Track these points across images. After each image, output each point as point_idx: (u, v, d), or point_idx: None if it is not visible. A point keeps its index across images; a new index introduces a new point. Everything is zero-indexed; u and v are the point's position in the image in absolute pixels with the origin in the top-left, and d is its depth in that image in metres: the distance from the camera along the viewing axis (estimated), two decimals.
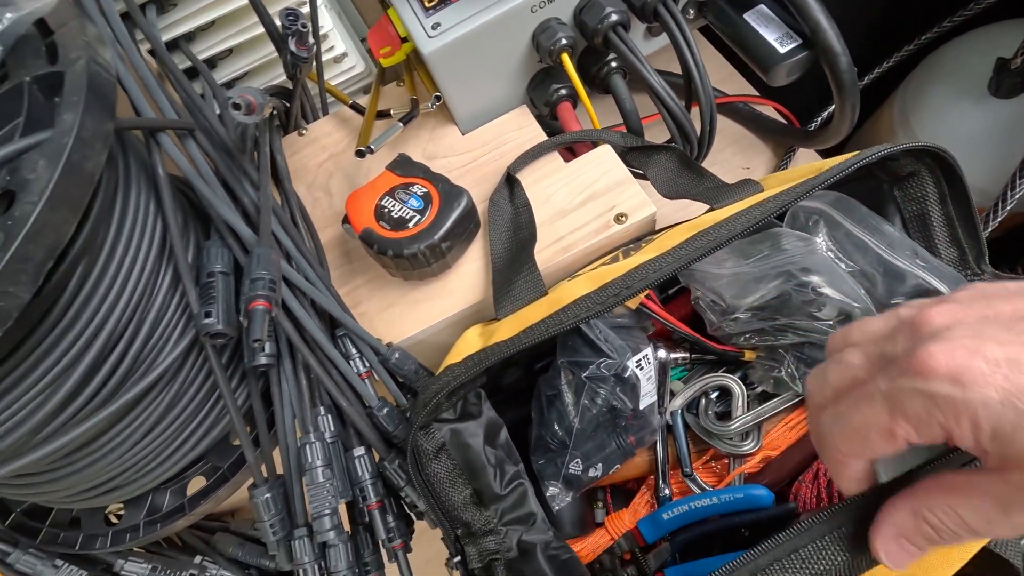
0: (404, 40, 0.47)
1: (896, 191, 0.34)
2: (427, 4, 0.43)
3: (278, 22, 0.42)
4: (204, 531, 0.50)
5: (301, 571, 0.36)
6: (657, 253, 0.34)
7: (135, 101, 0.32)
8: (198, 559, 0.47)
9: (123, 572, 0.43)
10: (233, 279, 0.34)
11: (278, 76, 0.54)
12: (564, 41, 0.42)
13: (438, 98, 0.45)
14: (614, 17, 0.41)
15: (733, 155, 0.61)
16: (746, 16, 0.44)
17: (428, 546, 0.42)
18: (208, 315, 0.31)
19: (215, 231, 0.35)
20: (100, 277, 0.28)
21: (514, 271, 0.39)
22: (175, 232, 0.31)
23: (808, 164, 0.39)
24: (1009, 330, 0.18)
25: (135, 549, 0.44)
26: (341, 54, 0.53)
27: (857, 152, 0.32)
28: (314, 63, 0.47)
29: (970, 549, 0.23)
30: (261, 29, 0.45)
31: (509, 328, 0.35)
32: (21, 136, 0.24)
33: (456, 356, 0.35)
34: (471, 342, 0.37)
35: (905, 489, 0.20)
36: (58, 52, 0.26)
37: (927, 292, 0.34)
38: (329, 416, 0.37)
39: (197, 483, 0.40)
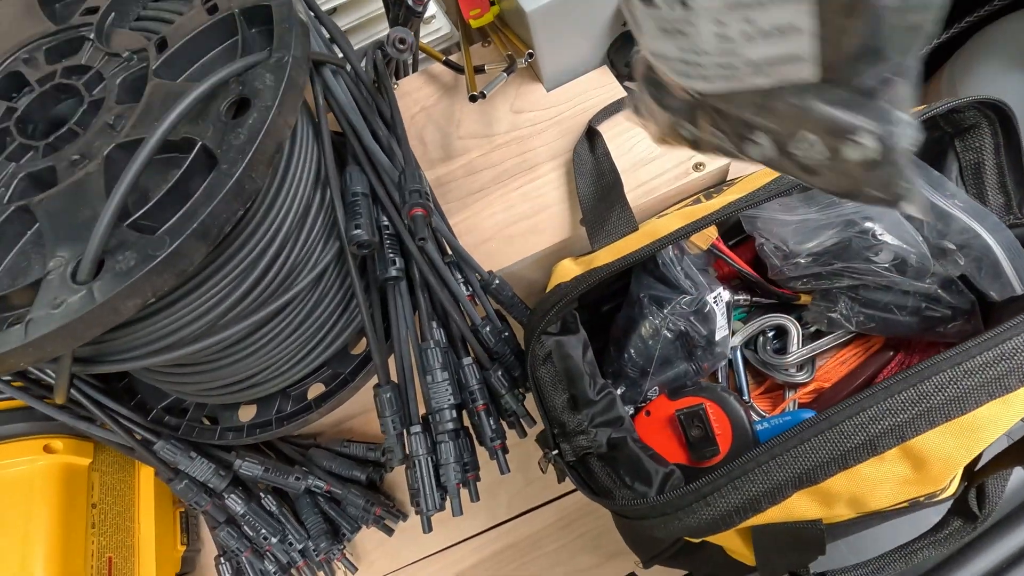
0: (492, 3, 0.51)
1: (957, 141, 0.39)
2: None
3: None
4: (300, 447, 0.55)
5: (416, 461, 0.41)
6: (743, 193, 0.38)
7: None
8: (297, 468, 0.52)
9: (241, 470, 0.48)
10: (371, 200, 0.39)
11: (371, 35, 0.59)
12: None
13: (531, 54, 0.50)
14: None
15: None
16: None
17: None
18: (358, 227, 0.36)
19: (352, 159, 0.40)
20: (278, 189, 0.33)
21: (607, 209, 0.43)
22: (329, 156, 0.36)
23: None
24: None
25: (248, 455, 0.49)
26: (431, 16, 0.58)
27: (927, 104, 0.36)
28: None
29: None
30: None
31: (608, 256, 0.39)
32: (240, 57, 0.29)
33: (561, 278, 0.40)
34: (570, 269, 0.41)
35: None
36: None
37: (970, 234, 0.38)
38: (441, 329, 0.42)
39: (315, 390, 0.45)
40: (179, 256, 0.25)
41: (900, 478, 0.29)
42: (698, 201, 0.43)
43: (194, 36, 0.30)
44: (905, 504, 0.31)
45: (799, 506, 0.30)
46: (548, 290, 0.40)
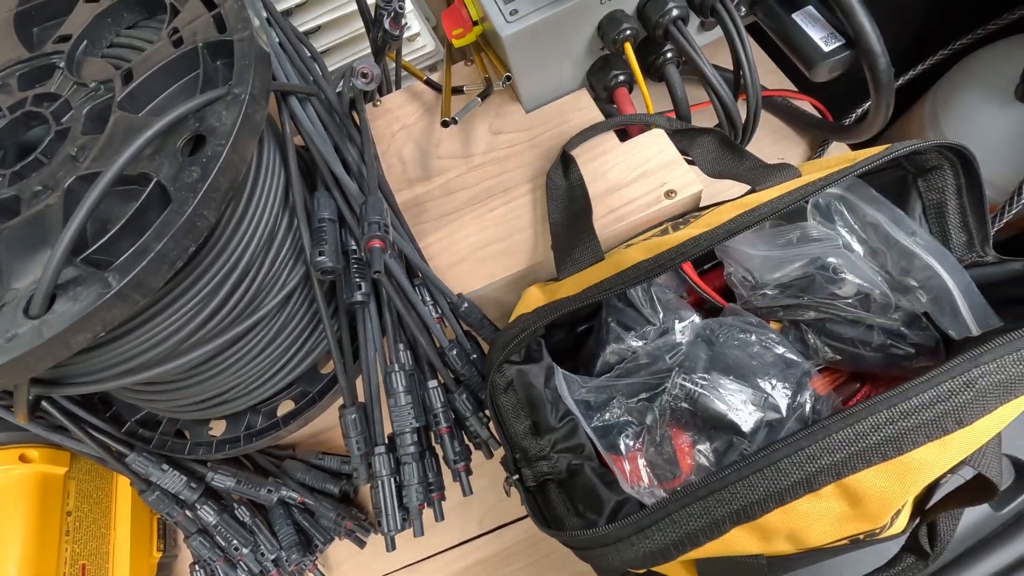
0: (475, 23, 0.52)
1: (920, 181, 0.39)
2: None
3: (370, 2, 0.47)
4: (275, 458, 0.56)
5: (379, 482, 0.41)
6: (708, 228, 0.38)
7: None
8: (271, 480, 0.53)
9: (213, 482, 0.49)
10: (338, 226, 0.39)
11: (355, 53, 0.59)
12: (628, 32, 0.46)
13: (508, 77, 0.50)
14: (675, 12, 0.46)
15: (769, 145, 0.65)
16: (794, 16, 0.48)
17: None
18: (321, 253, 0.36)
19: (321, 183, 0.40)
20: (241, 217, 0.34)
21: (574, 238, 0.44)
22: (296, 182, 0.37)
23: (841, 154, 0.43)
24: None
25: (220, 467, 0.50)
26: (415, 34, 0.58)
27: (889, 145, 0.36)
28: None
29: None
30: (352, 8, 0.50)
31: (573, 286, 0.40)
32: (201, 92, 0.30)
33: (525, 308, 0.40)
34: (535, 297, 0.42)
35: None
36: (226, 24, 0.31)
37: (930, 272, 0.38)
38: (408, 352, 0.42)
39: (285, 406, 0.46)
40: (129, 292, 0.25)
41: (837, 515, 0.29)
42: (665, 231, 0.43)
43: (158, 69, 0.31)
44: (846, 541, 0.31)
45: (738, 541, 0.30)
46: (511, 319, 0.40)
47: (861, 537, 0.31)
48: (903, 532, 0.35)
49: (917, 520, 0.35)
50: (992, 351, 0.28)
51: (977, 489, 0.31)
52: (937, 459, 0.28)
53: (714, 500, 0.30)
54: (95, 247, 0.27)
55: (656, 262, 0.37)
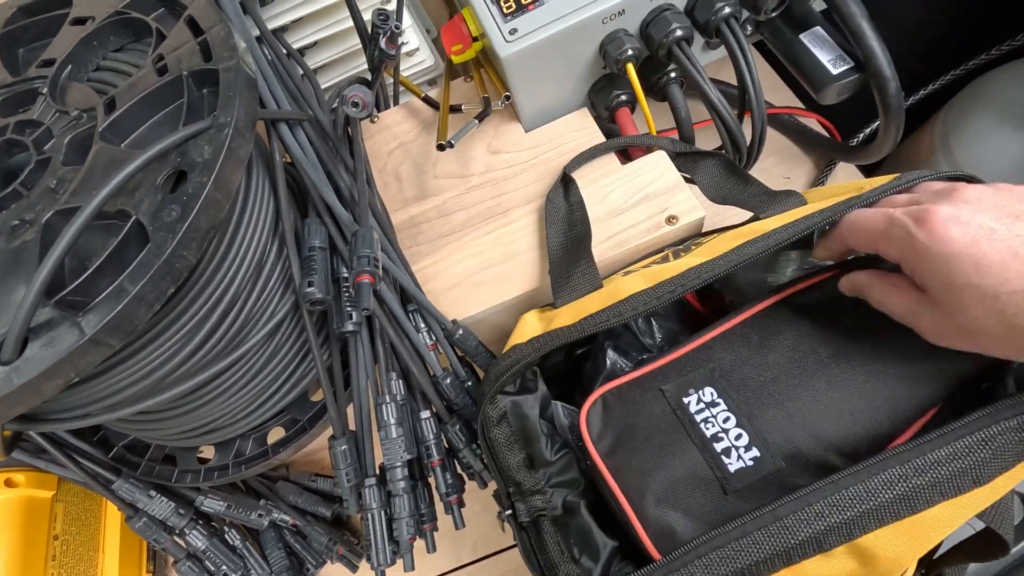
0: (475, 39, 0.51)
1: None
2: (505, 10, 0.46)
3: (367, 18, 0.46)
4: (268, 479, 0.55)
5: (369, 515, 0.40)
6: (709, 257, 0.37)
7: (261, 94, 0.37)
8: (263, 503, 0.52)
9: (204, 507, 0.48)
10: (328, 253, 0.38)
11: (353, 68, 0.58)
12: (630, 52, 0.45)
13: (507, 97, 0.49)
14: (679, 32, 0.45)
15: (775, 164, 0.64)
16: (802, 36, 0.47)
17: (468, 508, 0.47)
18: (311, 284, 0.35)
19: (312, 210, 0.39)
20: (228, 248, 0.33)
21: (572, 264, 0.43)
22: (285, 210, 0.36)
23: (849, 182, 0.42)
24: (1010, 215, 0.24)
25: (211, 490, 0.49)
26: (414, 49, 0.57)
27: (898, 175, 0.35)
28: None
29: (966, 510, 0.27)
30: (349, 24, 0.49)
31: (569, 315, 0.39)
32: (184, 124, 0.29)
33: (520, 337, 0.39)
34: (532, 325, 0.41)
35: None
36: (211, 52, 0.30)
37: None
38: (400, 381, 0.41)
39: (276, 434, 0.45)
40: (103, 338, 0.24)
41: (847, 574, 0.28)
42: (666, 259, 0.42)
43: (141, 98, 0.30)
44: None
45: None
46: (506, 348, 0.39)
47: None
48: None
49: (923, 572, 0.33)
50: (1013, 407, 0.26)
51: (986, 544, 0.30)
52: (952, 517, 0.27)
53: (717, 557, 0.28)
54: (71, 287, 0.26)
55: (654, 294, 0.36)
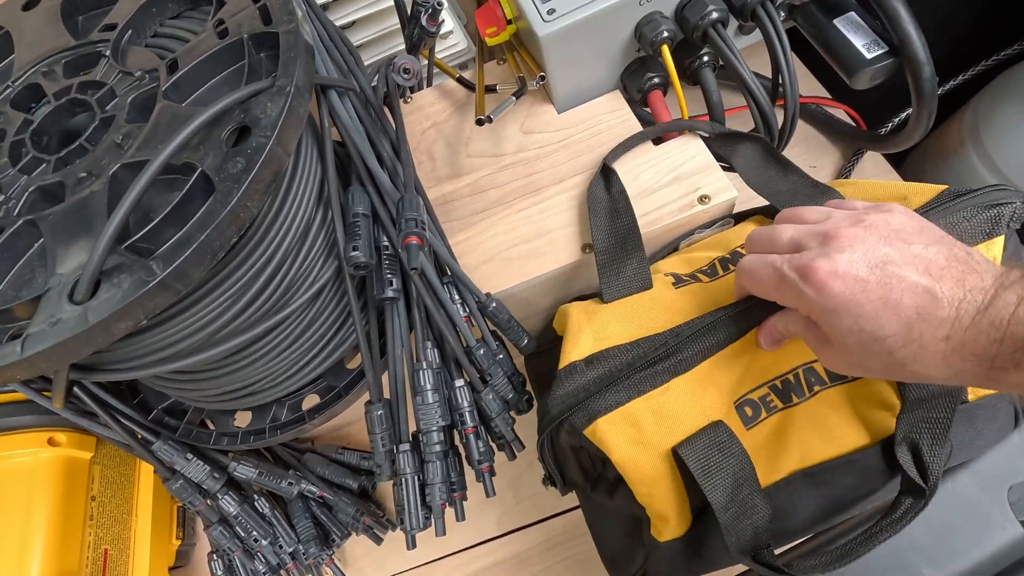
0: (509, 22, 0.51)
1: None
2: None
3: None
4: (296, 451, 0.56)
5: (403, 480, 0.41)
6: None
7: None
8: (291, 472, 0.53)
9: (236, 472, 0.49)
10: (371, 221, 0.39)
11: (389, 48, 0.59)
12: (666, 34, 0.46)
13: (543, 77, 0.50)
14: (715, 15, 0.45)
15: (802, 153, 0.64)
16: (836, 21, 0.48)
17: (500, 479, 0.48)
18: (355, 248, 0.36)
19: (356, 179, 0.40)
20: (279, 209, 0.34)
21: (622, 257, 0.42)
22: (332, 176, 0.37)
23: (890, 183, 0.41)
24: (880, 262, 0.27)
25: (243, 457, 0.50)
26: (448, 31, 0.58)
27: (944, 188, 0.35)
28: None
29: None
30: (387, 4, 0.50)
31: (622, 328, 0.38)
32: (246, 83, 0.30)
33: (573, 344, 0.38)
34: (578, 322, 0.40)
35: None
36: (271, 16, 0.31)
37: None
38: (435, 349, 0.42)
39: (311, 400, 0.46)
40: (171, 282, 0.25)
41: None
42: (714, 269, 0.41)
43: (203, 60, 0.31)
44: None
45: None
46: (562, 358, 0.38)
47: None
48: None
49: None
50: None
51: None
52: None
53: None
54: (139, 235, 0.27)
55: (719, 325, 0.36)
